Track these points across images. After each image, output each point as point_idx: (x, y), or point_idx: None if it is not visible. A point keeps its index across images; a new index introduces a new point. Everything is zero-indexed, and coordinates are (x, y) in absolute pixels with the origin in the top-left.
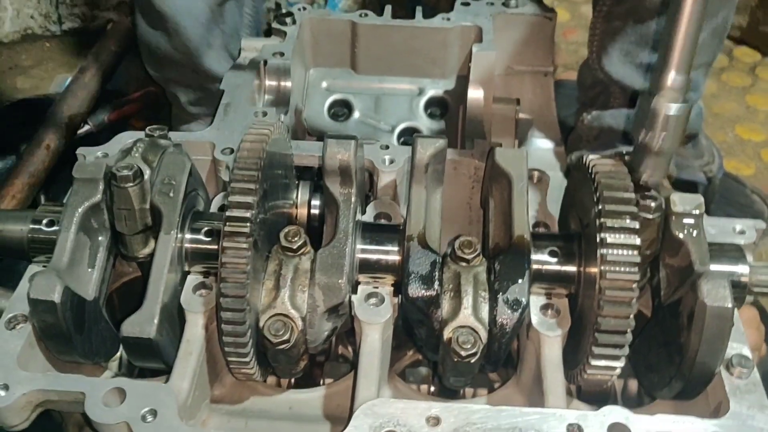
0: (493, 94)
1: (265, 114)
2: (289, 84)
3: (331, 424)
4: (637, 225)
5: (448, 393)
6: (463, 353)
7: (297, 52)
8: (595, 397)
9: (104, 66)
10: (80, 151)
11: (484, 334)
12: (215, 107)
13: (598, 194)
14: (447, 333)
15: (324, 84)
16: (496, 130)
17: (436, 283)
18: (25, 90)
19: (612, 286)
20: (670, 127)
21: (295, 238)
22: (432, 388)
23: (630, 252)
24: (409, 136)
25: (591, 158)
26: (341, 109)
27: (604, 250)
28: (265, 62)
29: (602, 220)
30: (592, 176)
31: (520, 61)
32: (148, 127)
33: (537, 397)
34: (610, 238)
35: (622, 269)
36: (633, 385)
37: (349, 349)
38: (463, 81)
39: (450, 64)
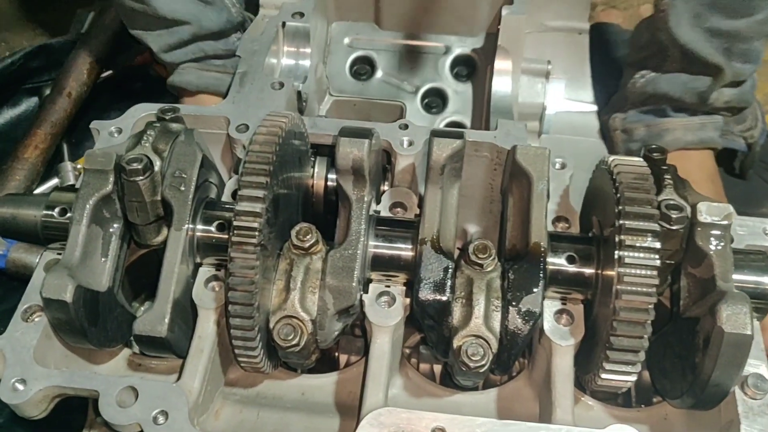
0: (522, 56)
1: (281, 85)
2: (308, 50)
3: (341, 417)
4: (658, 245)
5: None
6: (471, 364)
7: (318, 6)
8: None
9: None
10: (94, 125)
11: (494, 344)
12: (191, 53)
13: (619, 207)
14: (457, 341)
15: (346, 40)
16: (524, 94)
17: (448, 290)
18: (46, 23)
19: (627, 307)
20: None
21: (307, 237)
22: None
23: (648, 273)
24: (433, 98)
25: (614, 160)
26: (363, 67)
27: (621, 269)
28: (284, 24)
29: (622, 237)
30: (615, 184)
31: (553, 17)
32: (159, 108)
33: (545, 395)
34: (629, 258)
35: (639, 292)
36: (647, 375)
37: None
38: (492, 39)
39: (479, 21)
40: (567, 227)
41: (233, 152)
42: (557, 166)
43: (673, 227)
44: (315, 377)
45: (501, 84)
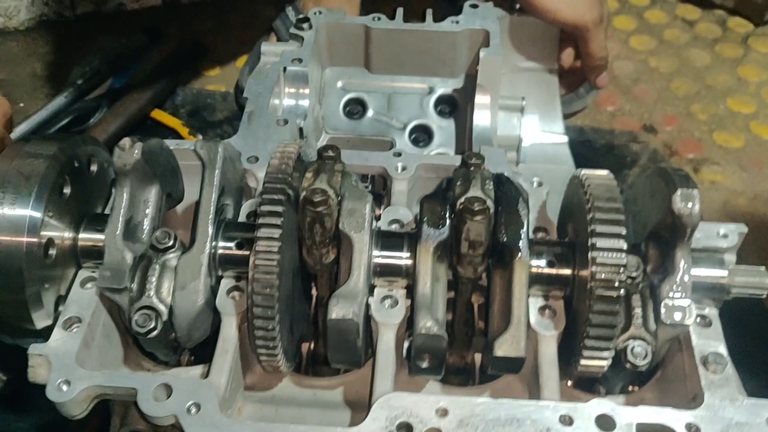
0: (499, 94)
1: (286, 122)
2: (307, 91)
3: (351, 410)
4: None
5: (454, 383)
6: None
7: (314, 54)
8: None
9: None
10: None
11: (491, 204)
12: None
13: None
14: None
15: (339, 83)
16: (502, 128)
17: None
18: (44, 77)
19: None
20: None
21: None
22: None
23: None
24: (420, 133)
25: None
26: (356, 107)
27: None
28: (285, 69)
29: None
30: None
31: (525, 59)
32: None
33: (533, 381)
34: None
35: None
36: None
37: None
38: (471, 79)
39: (459, 64)
40: (545, 236)
41: (244, 182)
42: (534, 184)
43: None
44: (325, 380)
45: (481, 117)
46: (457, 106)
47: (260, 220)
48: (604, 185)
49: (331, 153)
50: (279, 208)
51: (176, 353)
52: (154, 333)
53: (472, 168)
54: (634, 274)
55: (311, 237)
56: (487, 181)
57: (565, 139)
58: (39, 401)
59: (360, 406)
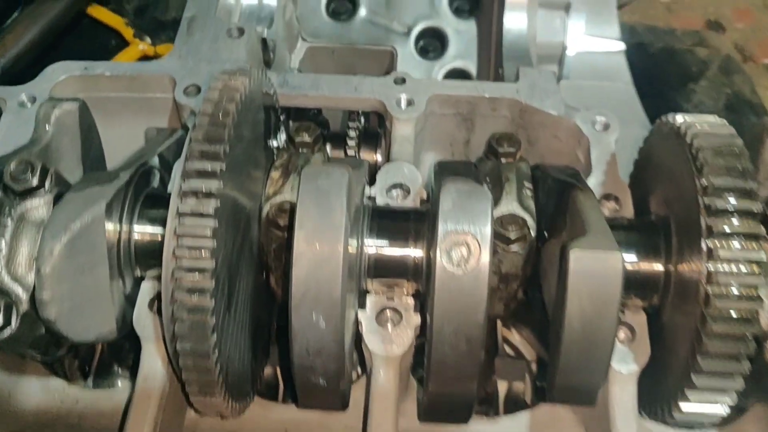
0: None
1: (241, 32)
2: None
3: None
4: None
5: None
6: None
7: None
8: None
9: None
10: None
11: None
12: None
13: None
14: None
15: None
16: (541, 32)
17: None
18: None
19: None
20: None
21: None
22: None
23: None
24: (429, 40)
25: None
26: (343, 4)
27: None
28: None
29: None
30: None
31: None
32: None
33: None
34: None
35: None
36: None
37: None
38: None
39: None
40: (616, 208)
41: (181, 121)
42: (598, 127)
43: None
44: (302, 410)
45: (514, 19)
46: (479, 2)
47: (184, 186)
48: (718, 135)
49: (306, 138)
50: (216, 166)
51: (59, 348)
52: (7, 332)
53: (503, 161)
54: None
55: (279, 266)
56: (525, 183)
57: (621, 46)
58: None
59: None
